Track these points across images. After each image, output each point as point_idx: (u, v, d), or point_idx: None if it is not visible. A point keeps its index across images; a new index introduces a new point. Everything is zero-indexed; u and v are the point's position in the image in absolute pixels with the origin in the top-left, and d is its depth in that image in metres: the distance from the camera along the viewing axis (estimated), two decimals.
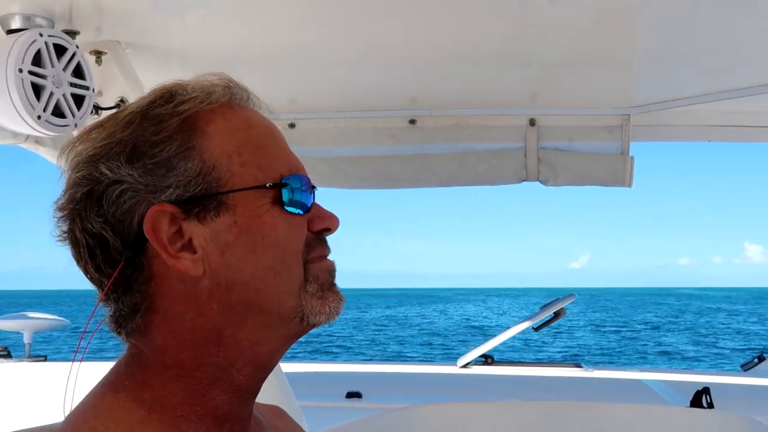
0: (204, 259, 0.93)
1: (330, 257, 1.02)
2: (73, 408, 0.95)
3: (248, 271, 0.94)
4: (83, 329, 1.01)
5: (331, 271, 1.01)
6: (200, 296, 0.94)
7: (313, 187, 1.03)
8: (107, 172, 0.93)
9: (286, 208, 0.96)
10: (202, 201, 0.93)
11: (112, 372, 0.98)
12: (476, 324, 55.44)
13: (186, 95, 0.97)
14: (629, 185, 3.10)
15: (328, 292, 0.99)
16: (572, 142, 3.12)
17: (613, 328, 49.76)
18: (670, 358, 32.35)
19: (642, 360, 31.27)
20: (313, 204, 1.01)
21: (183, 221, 0.93)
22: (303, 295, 0.96)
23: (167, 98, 0.97)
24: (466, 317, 67.14)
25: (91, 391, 0.96)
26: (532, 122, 3.11)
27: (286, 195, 0.96)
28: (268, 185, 0.95)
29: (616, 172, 3.08)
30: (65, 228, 0.98)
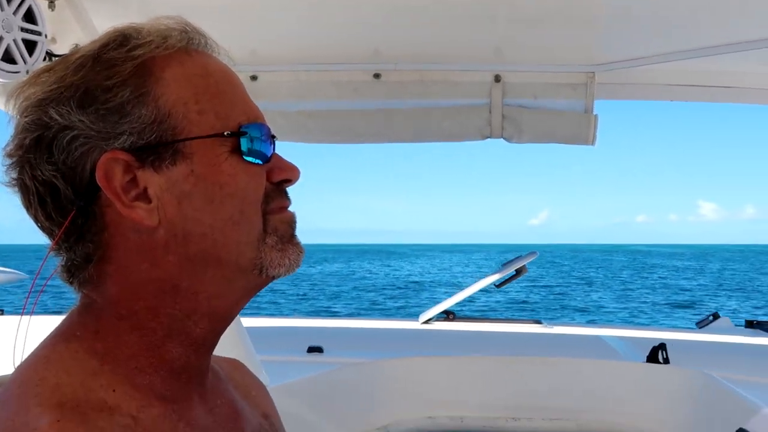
0: (159, 208, 0.91)
1: (291, 209, 1.00)
2: (23, 359, 0.93)
3: (206, 221, 0.91)
4: (32, 280, 0.99)
5: (291, 222, 0.99)
6: (156, 247, 0.92)
7: (273, 137, 1.00)
8: (57, 117, 0.90)
9: (245, 157, 0.93)
10: (158, 149, 0.91)
11: (64, 322, 0.96)
12: (416, 280, 55.74)
13: (141, 39, 0.93)
14: (593, 144, 3.11)
15: (288, 244, 0.97)
16: (537, 99, 3.12)
17: (545, 284, 50.57)
18: (586, 313, 32.89)
19: (559, 314, 31.85)
20: (273, 154, 0.98)
21: (137, 170, 0.90)
22: (262, 246, 0.94)
23: (121, 41, 0.93)
24: (409, 273, 67.60)
25: (43, 341, 0.94)
26: (497, 78, 3.09)
27: (245, 144, 0.93)
28: (226, 134, 0.93)
29: (580, 130, 3.09)
30: (14, 175, 0.95)
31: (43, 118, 0.91)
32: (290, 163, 1.00)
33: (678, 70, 3.25)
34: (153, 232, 0.91)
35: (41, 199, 0.94)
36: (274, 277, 0.97)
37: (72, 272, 0.96)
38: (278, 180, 0.98)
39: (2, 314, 5.15)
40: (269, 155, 0.97)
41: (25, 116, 0.93)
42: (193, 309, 0.94)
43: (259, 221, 0.94)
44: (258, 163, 0.95)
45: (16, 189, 0.96)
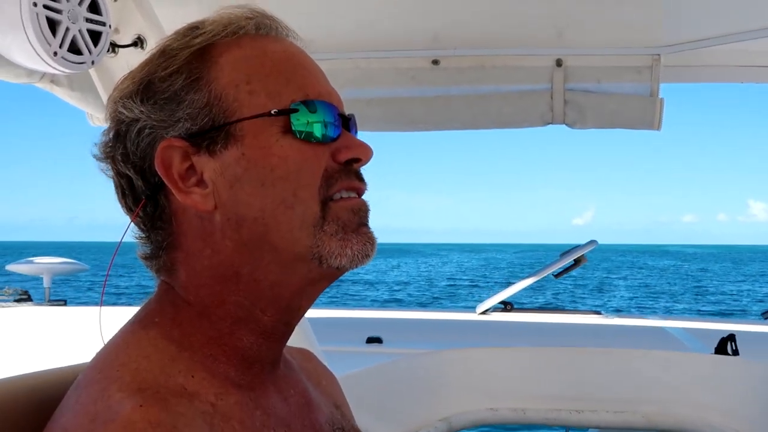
0: (215, 193, 0.90)
1: (362, 195, 0.96)
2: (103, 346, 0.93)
3: (257, 205, 0.89)
4: (106, 273, 1.01)
5: (357, 210, 0.94)
6: (215, 232, 0.92)
7: (348, 117, 0.97)
8: (125, 111, 0.93)
9: (299, 137, 0.90)
10: (211, 133, 0.90)
11: (143, 309, 0.97)
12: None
13: (202, 29, 0.94)
14: (658, 128, 3.03)
15: (351, 234, 0.92)
16: (600, 83, 3.04)
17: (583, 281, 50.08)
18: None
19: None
20: (342, 133, 0.94)
21: (194, 156, 0.91)
22: (320, 234, 0.90)
23: (184, 33, 0.95)
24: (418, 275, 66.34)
25: (122, 327, 0.95)
26: (558, 63, 3.02)
27: (296, 122, 0.90)
28: (273, 112, 0.90)
29: (645, 114, 3.00)
30: (106, 171, 0.98)
31: (117, 114, 0.95)
32: (360, 141, 0.96)
33: (745, 50, 3.15)
34: (211, 218, 0.91)
35: (123, 191, 0.97)
36: (338, 269, 0.92)
37: (151, 260, 0.97)
38: (344, 159, 0.93)
39: (65, 305, 5.26)
40: (334, 134, 0.93)
41: (108, 115, 0.97)
42: (257, 296, 0.93)
43: (316, 206, 0.90)
44: (316, 142, 0.91)
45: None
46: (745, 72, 3.23)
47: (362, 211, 0.95)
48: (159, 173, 0.91)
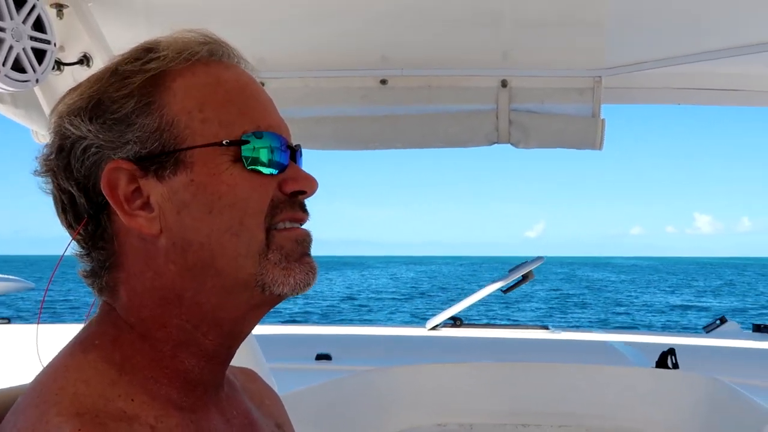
0: (161, 217, 0.91)
1: (305, 225, 0.98)
2: (42, 368, 0.93)
3: (204, 231, 0.91)
4: (44, 291, 1.01)
5: (300, 240, 0.96)
6: (158, 256, 0.92)
7: (295, 148, 0.99)
8: (71, 127, 0.93)
9: (248, 167, 0.92)
10: (160, 158, 0.91)
11: (84, 330, 0.97)
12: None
13: (157, 53, 0.95)
14: (600, 148, 3.10)
15: (294, 263, 0.94)
16: (544, 104, 3.11)
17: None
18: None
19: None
20: (289, 164, 0.96)
21: (141, 179, 0.92)
22: (263, 262, 0.92)
23: (138, 55, 0.95)
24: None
25: (62, 349, 0.94)
26: (503, 83, 3.08)
27: (247, 153, 0.92)
28: (225, 142, 0.91)
29: (587, 134, 3.08)
30: (44, 184, 0.98)
31: (62, 130, 0.95)
32: (306, 173, 0.98)
33: (684, 73, 3.25)
34: (155, 241, 0.92)
35: (63, 207, 0.97)
36: (279, 296, 0.94)
37: (92, 278, 0.97)
38: (291, 191, 0.95)
39: (9, 323, 5.14)
40: (281, 166, 0.95)
41: (52, 128, 0.97)
42: (199, 320, 0.94)
43: (262, 234, 0.92)
44: (264, 173, 0.93)
45: (51, 197, 0.99)
46: (683, 94, 3.33)
47: (305, 241, 0.97)
48: (104, 194, 0.91)
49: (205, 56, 0.96)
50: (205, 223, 0.90)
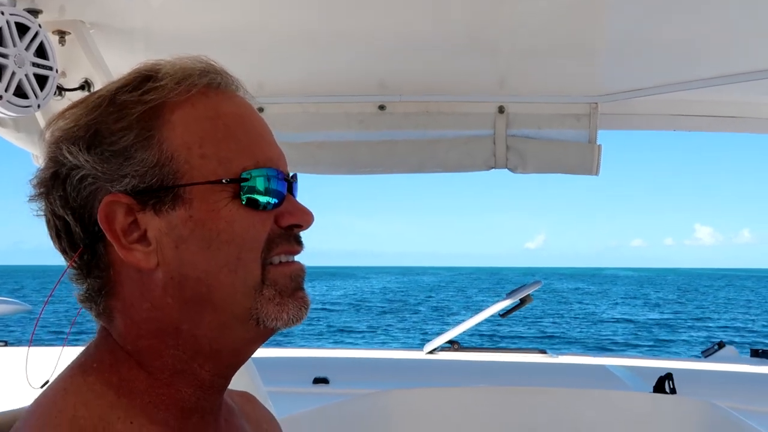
0: (158, 251, 0.91)
1: (298, 258, 0.99)
2: (41, 391, 0.93)
3: (201, 267, 0.91)
4: (39, 313, 1.01)
5: (294, 276, 0.97)
6: (155, 289, 0.92)
7: (291, 180, 0.99)
8: (68, 155, 0.92)
9: (246, 203, 0.92)
10: (158, 193, 0.91)
11: (83, 354, 0.97)
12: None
13: (156, 83, 0.93)
14: (596, 173, 3.13)
15: (287, 299, 0.95)
16: (541, 130, 3.13)
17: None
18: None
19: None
20: (286, 197, 0.97)
21: (138, 212, 0.91)
22: (258, 297, 0.93)
23: (136, 84, 0.94)
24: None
25: (61, 373, 0.95)
26: (501, 109, 3.11)
27: (246, 191, 0.92)
28: (224, 180, 0.92)
29: (583, 160, 3.10)
30: (37, 207, 0.97)
31: (58, 156, 0.93)
32: (302, 207, 0.98)
33: (680, 100, 3.28)
34: (152, 274, 0.92)
35: (57, 232, 0.96)
36: (273, 329, 0.95)
37: (89, 303, 0.97)
38: (287, 225, 0.96)
39: (6, 345, 5.13)
40: (278, 200, 0.95)
41: (47, 152, 0.95)
42: (196, 351, 0.94)
43: (258, 270, 0.93)
44: (262, 210, 0.93)
45: (44, 220, 0.98)
46: (679, 120, 3.36)
47: (300, 276, 0.98)
48: (101, 227, 0.91)
49: (204, 86, 0.96)
50: (203, 259, 0.91)
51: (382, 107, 3.12)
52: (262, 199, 0.93)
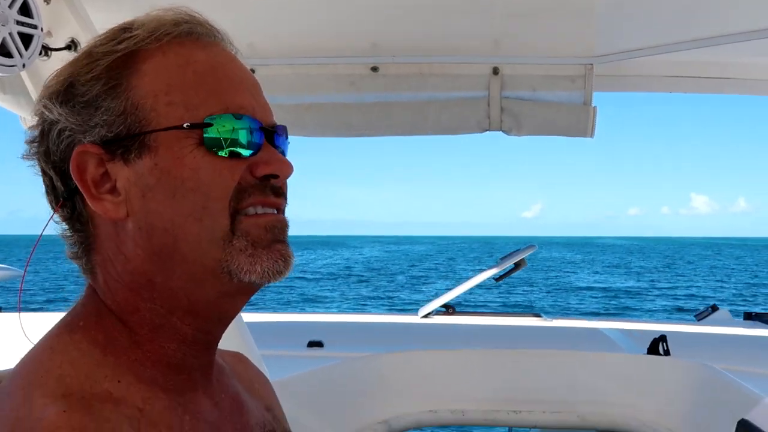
0: (127, 201, 0.90)
1: (275, 210, 0.95)
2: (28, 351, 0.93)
3: (167, 216, 0.89)
4: (22, 276, 1.02)
5: (270, 227, 0.93)
6: (127, 240, 0.92)
7: (273, 130, 0.97)
8: (46, 111, 0.93)
9: (211, 150, 0.89)
10: (125, 141, 0.90)
11: (70, 312, 0.96)
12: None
13: (129, 33, 0.93)
14: (591, 136, 3.11)
15: (261, 250, 0.91)
16: (535, 92, 3.10)
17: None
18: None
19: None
20: (263, 146, 0.94)
21: (108, 162, 0.91)
22: (228, 248, 0.90)
23: (111, 36, 0.94)
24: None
25: (48, 332, 0.94)
26: (495, 71, 3.08)
27: (210, 136, 0.89)
28: (185, 125, 0.89)
29: (578, 122, 3.08)
30: (32, 166, 0.98)
31: (41, 113, 0.94)
32: (280, 156, 0.95)
33: (676, 61, 3.25)
34: (124, 225, 0.91)
35: (46, 189, 0.97)
36: (251, 283, 0.92)
37: (77, 261, 0.97)
38: (261, 175, 0.93)
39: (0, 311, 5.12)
40: (250, 148, 0.92)
41: (35, 110, 0.97)
42: (173, 305, 0.93)
43: (225, 219, 0.90)
44: (233, 157, 0.91)
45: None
46: (675, 82, 3.33)
47: (276, 228, 0.94)
48: (73, 177, 0.91)
49: (180, 36, 0.94)
50: (168, 208, 0.89)
51: (374, 69, 3.08)
52: (230, 145, 0.90)
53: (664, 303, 34.90)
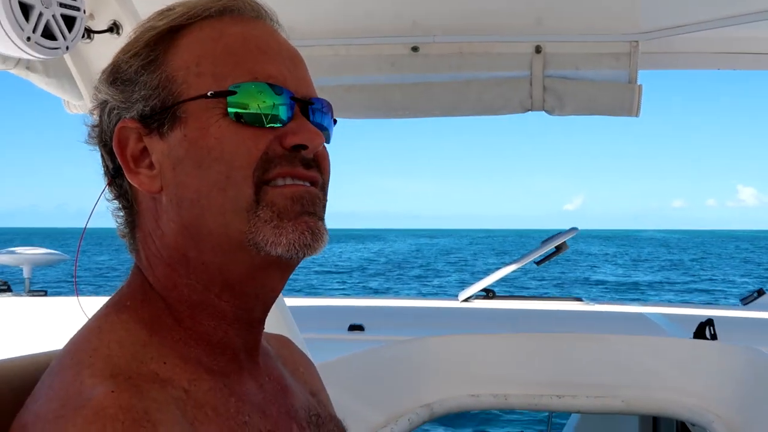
0: (161, 175, 0.91)
1: (303, 181, 0.92)
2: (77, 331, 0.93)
3: (194, 187, 0.89)
4: (75, 261, 1.04)
5: (297, 198, 0.90)
6: (162, 214, 0.92)
7: (309, 102, 0.95)
8: (98, 93, 0.96)
9: (236, 119, 0.89)
10: (160, 115, 0.91)
11: (118, 292, 0.97)
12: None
13: (170, 11, 0.95)
14: (636, 114, 3.04)
15: (287, 222, 0.89)
16: (579, 70, 3.04)
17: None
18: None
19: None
20: (294, 117, 0.92)
21: (146, 137, 0.92)
22: (253, 219, 0.88)
23: (155, 16, 0.96)
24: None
25: (97, 311, 0.94)
26: (537, 49, 3.02)
27: (234, 104, 0.89)
28: (209, 94, 0.89)
29: (623, 100, 3.01)
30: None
31: (96, 95, 0.98)
32: (311, 127, 0.93)
33: (725, 37, 3.16)
34: (160, 198, 0.92)
35: (104, 171, 1.00)
36: (279, 257, 0.89)
37: (126, 240, 0.99)
38: (289, 145, 0.91)
39: (45, 295, 5.22)
40: (283, 118, 0.91)
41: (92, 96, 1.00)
42: (208, 281, 0.92)
43: (250, 189, 0.88)
44: (258, 126, 0.89)
45: None
46: (723, 59, 3.25)
47: (305, 199, 0.91)
48: (115, 152, 0.93)
49: (221, 12, 0.95)
50: (195, 179, 0.89)
51: (415, 49, 3.05)
52: (255, 113, 0.89)
53: (666, 297, 34.37)
